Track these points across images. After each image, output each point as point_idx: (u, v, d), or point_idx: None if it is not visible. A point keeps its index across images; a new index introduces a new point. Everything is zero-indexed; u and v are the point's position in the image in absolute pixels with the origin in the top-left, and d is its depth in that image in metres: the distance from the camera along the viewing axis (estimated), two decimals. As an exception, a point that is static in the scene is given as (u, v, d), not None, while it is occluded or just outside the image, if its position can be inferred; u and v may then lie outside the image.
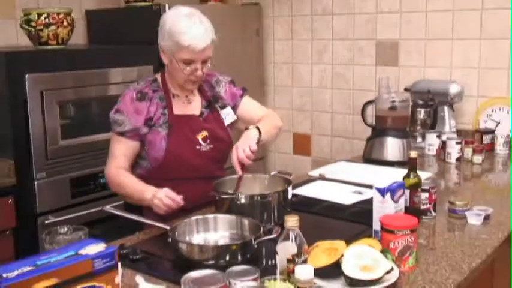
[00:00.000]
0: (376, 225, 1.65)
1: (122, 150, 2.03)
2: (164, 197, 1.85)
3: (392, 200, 1.65)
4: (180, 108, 2.06)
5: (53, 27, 2.81)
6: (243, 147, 1.91)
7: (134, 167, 2.08)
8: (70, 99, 2.76)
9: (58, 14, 2.84)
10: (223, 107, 2.16)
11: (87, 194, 2.79)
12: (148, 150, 2.03)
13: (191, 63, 1.95)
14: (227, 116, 2.16)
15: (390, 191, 1.65)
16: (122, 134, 2.01)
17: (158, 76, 2.11)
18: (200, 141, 2.05)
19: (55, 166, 2.67)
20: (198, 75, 1.99)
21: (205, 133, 2.06)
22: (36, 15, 2.79)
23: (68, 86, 2.72)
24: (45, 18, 2.80)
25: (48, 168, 2.64)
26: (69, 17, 2.89)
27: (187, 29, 1.91)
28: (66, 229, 1.54)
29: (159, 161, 2.01)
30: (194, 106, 2.11)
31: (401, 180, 1.79)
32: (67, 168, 2.72)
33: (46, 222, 2.61)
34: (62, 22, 2.85)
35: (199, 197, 1.95)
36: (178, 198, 1.85)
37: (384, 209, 1.64)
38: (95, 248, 1.23)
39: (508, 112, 2.92)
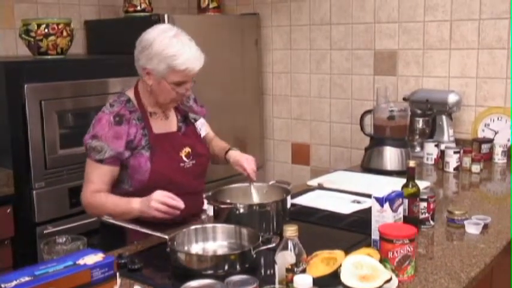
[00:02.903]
0: (374, 235, 1.65)
1: (100, 177, 1.94)
2: (162, 197, 1.80)
3: (391, 209, 1.65)
4: (158, 126, 2.01)
5: (52, 38, 2.82)
6: (252, 159, 2.04)
7: (112, 189, 1.99)
8: (69, 109, 2.76)
9: (58, 24, 2.85)
10: (196, 119, 2.16)
11: (85, 203, 2.79)
12: (132, 174, 1.96)
13: (182, 84, 1.93)
14: (201, 127, 2.16)
15: (389, 200, 1.65)
16: (100, 161, 1.93)
17: (130, 94, 2.03)
18: (184, 158, 2.02)
19: (54, 176, 2.67)
20: (187, 95, 2.00)
21: (188, 149, 2.03)
22: (36, 26, 2.80)
23: (67, 95, 2.72)
24: (44, 28, 2.81)
25: (47, 178, 2.64)
26: (68, 27, 2.90)
27: (181, 52, 1.87)
28: (64, 239, 1.54)
29: (144, 182, 1.94)
30: (171, 122, 2.08)
31: (400, 189, 1.80)
32: (66, 178, 2.72)
33: (45, 231, 2.61)
34: (62, 32, 2.86)
35: (186, 212, 1.90)
36: (177, 198, 1.82)
37: (383, 218, 1.65)
38: (93, 258, 1.23)
39: (506, 122, 2.93)
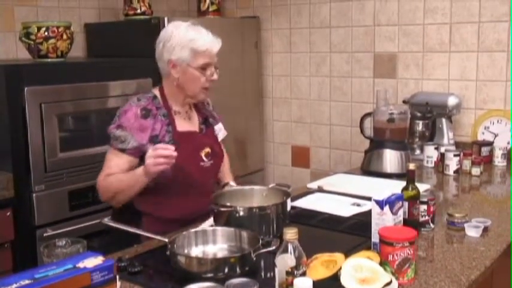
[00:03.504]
0: (374, 238, 1.65)
1: (118, 165, 2.01)
2: (154, 152, 1.85)
3: (391, 212, 1.65)
4: (182, 124, 2.09)
5: (52, 41, 2.83)
6: None
7: None
8: (69, 112, 2.76)
9: (58, 27, 2.85)
10: (215, 123, 2.25)
11: (85, 206, 2.79)
12: None
13: (207, 68, 2.03)
14: (219, 132, 2.25)
15: (389, 203, 1.65)
16: (123, 150, 2.01)
17: (156, 92, 2.12)
18: (203, 157, 2.10)
19: (54, 179, 2.66)
20: (215, 79, 2.07)
21: (207, 149, 2.12)
22: (36, 29, 2.80)
23: (67, 98, 2.72)
24: (44, 31, 2.81)
25: (47, 181, 2.64)
26: (68, 30, 2.90)
27: (199, 35, 2.01)
28: (64, 242, 1.54)
29: (164, 177, 1.96)
30: (193, 122, 2.16)
31: (400, 192, 1.80)
32: (66, 181, 2.72)
33: (44, 235, 2.61)
34: (62, 35, 2.86)
35: (197, 211, 1.97)
36: (171, 147, 1.87)
37: (383, 221, 1.64)
38: (93, 261, 1.23)
39: (506, 124, 2.93)
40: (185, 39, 1.99)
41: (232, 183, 2.20)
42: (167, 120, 2.05)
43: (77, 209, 2.76)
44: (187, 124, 2.12)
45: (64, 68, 2.84)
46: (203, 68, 2.03)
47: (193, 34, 2.00)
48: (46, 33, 2.81)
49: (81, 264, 1.22)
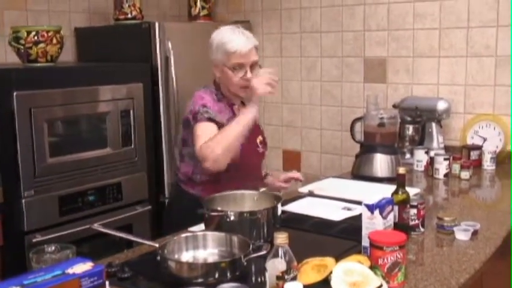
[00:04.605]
0: (365, 242, 1.65)
1: (214, 131, 2.10)
2: (264, 76, 2.10)
3: (381, 216, 1.65)
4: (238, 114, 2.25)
5: (42, 45, 2.81)
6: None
7: (195, 166, 2.20)
8: (59, 117, 2.75)
9: (47, 31, 2.84)
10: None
11: (75, 212, 2.77)
12: None
13: (241, 68, 2.19)
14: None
15: (379, 207, 1.65)
16: (211, 119, 2.13)
17: (213, 88, 2.29)
18: (258, 144, 2.34)
19: (43, 184, 2.65)
20: (248, 78, 2.19)
21: (260, 137, 2.37)
22: (25, 33, 2.79)
23: (57, 103, 2.71)
24: (34, 35, 2.80)
25: (36, 186, 2.63)
26: (58, 34, 2.89)
27: (231, 38, 2.19)
28: (53, 248, 1.53)
29: (235, 160, 2.10)
30: None
31: (390, 196, 1.80)
32: (55, 186, 2.70)
33: (34, 240, 2.59)
34: (51, 40, 2.85)
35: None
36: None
37: (373, 225, 1.65)
38: (83, 266, 1.22)
39: (494, 128, 2.95)
40: (220, 42, 2.20)
41: (270, 173, 2.52)
42: (229, 109, 2.24)
43: (66, 214, 2.74)
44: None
45: (54, 73, 2.82)
46: (236, 69, 2.19)
47: (227, 36, 2.20)
48: (36, 38, 2.80)
49: (70, 270, 1.21)
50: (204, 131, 2.11)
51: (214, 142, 2.04)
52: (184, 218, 1.97)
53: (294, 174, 2.50)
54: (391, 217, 1.71)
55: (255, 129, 2.27)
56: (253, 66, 2.22)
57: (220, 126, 2.12)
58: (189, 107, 2.21)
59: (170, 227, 2.06)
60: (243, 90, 2.22)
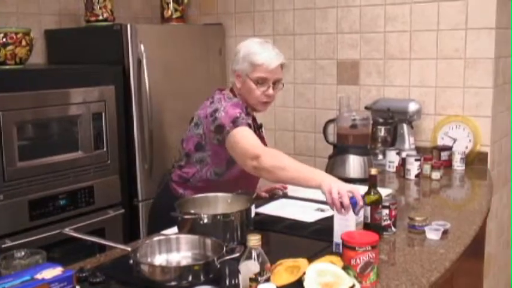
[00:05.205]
0: (337, 239, 1.67)
1: (255, 137, 2.06)
2: (349, 194, 1.73)
3: (353, 212, 1.68)
4: None
5: (10, 47, 2.77)
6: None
7: (198, 171, 2.22)
8: (29, 120, 2.70)
9: (16, 33, 2.80)
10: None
11: (46, 216, 2.73)
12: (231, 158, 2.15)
13: (264, 83, 2.17)
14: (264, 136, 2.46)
15: (351, 203, 1.68)
16: (250, 126, 2.09)
17: (237, 99, 2.23)
18: None
19: (13, 188, 2.60)
20: (269, 94, 2.19)
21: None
22: (-6, 35, 2.74)
23: (27, 106, 2.67)
24: (2, 37, 2.75)
25: (6, 191, 2.58)
26: (27, 36, 2.85)
27: (261, 50, 2.17)
28: (23, 253, 1.51)
29: (236, 175, 2.17)
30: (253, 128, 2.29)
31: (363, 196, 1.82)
32: (25, 191, 2.65)
33: (3, 246, 2.53)
34: (21, 42, 2.81)
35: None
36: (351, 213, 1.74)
37: (346, 221, 1.68)
38: (52, 272, 1.21)
39: (464, 129, 3.00)
40: (248, 53, 2.18)
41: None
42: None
43: (37, 219, 2.70)
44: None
45: (23, 75, 2.78)
46: (259, 82, 2.16)
47: (256, 48, 2.18)
48: (4, 40, 2.76)
49: (39, 276, 1.19)
50: (250, 134, 2.06)
51: (281, 158, 1.96)
52: (170, 217, 1.95)
53: (277, 185, 2.48)
54: (361, 214, 1.75)
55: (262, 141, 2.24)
56: (276, 83, 2.21)
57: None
58: (215, 111, 2.13)
59: (155, 225, 2.03)
60: (262, 104, 2.23)
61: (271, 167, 1.93)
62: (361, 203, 1.73)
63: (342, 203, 1.71)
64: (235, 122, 2.08)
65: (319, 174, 1.90)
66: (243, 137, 2.05)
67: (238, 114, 2.10)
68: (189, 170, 2.25)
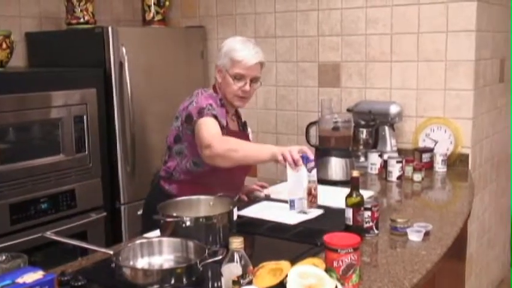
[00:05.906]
0: (291, 196, 1.93)
1: (218, 127, 2.12)
2: (294, 151, 1.98)
3: (306, 168, 1.88)
4: (230, 123, 2.32)
5: (-10, 50, 2.74)
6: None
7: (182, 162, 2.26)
8: (9, 123, 2.68)
9: (-4, 36, 2.77)
10: (247, 128, 2.51)
11: (27, 220, 2.71)
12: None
13: (241, 79, 2.25)
14: (250, 135, 2.54)
15: (303, 157, 1.89)
16: (216, 117, 2.14)
17: (215, 94, 2.31)
18: None
19: (-7, 192, 2.57)
20: (245, 90, 2.26)
21: None
22: (-27, 37, 2.71)
23: (7, 109, 2.64)
24: (-18, 40, 2.73)
25: (-14, 195, 2.55)
26: (8, 39, 2.83)
27: (241, 48, 2.26)
28: (4, 257, 1.49)
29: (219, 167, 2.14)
30: (235, 123, 2.41)
31: (344, 199, 1.84)
32: (6, 194, 2.63)
33: (-17, 251, 2.51)
34: (1, 44, 2.79)
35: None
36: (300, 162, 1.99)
37: (299, 177, 1.88)
38: (33, 276, 1.20)
39: (445, 131, 3.03)
40: (230, 48, 2.27)
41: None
42: (225, 116, 2.26)
43: (18, 222, 2.67)
44: (232, 123, 2.35)
45: (3, 78, 2.75)
46: (237, 78, 2.24)
47: (237, 46, 2.26)
48: (-16, 42, 2.73)
49: (20, 280, 1.18)
50: (211, 123, 2.13)
51: (232, 142, 2.08)
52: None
53: (256, 186, 2.56)
54: (314, 173, 1.93)
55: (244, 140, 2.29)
56: (253, 80, 2.28)
57: (220, 127, 2.15)
58: (190, 104, 2.22)
59: (148, 224, 2.02)
60: (238, 99, 2.29)
61: (223, 152, 2.05)
62: (311, 157, 1.92)
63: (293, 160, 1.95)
64: (201, 113, 2.15)
65: (269, 146, 2.10)
66: (203, 127, 2.12)
67: (205, 105, 2.17)
68: (171, 164, 2.31)
